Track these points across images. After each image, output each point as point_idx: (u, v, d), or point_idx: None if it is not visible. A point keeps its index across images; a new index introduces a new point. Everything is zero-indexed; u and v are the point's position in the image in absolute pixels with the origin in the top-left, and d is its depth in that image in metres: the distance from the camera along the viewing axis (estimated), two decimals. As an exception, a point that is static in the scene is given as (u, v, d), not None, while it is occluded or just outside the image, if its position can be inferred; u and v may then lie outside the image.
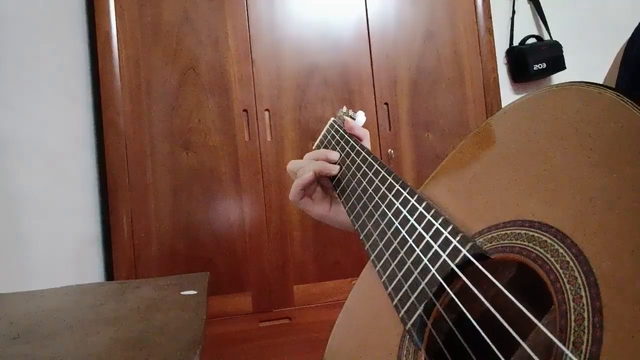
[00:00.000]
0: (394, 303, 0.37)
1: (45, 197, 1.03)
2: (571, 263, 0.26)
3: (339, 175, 0.59)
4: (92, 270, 1.28)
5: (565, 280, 0.26)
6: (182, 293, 0.55)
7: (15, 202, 0.90)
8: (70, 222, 1.17)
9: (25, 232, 0.93)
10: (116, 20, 1.35)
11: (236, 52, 1.41)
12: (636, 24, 0.45)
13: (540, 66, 1.90)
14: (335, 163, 0.60)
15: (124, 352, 0.38)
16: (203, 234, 1.36)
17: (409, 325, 0.35)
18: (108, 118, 1.33)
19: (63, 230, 1.11)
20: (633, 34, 0.45)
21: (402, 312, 0.36)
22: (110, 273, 1.33)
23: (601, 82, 0.32)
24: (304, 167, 0.60)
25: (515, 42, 1.97)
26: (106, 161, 1.32)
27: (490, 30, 1.59)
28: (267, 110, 1.42)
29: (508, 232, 0.31)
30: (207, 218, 1.36)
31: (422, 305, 0.34)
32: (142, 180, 1.34)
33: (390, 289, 0.39)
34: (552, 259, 0.27)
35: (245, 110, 1.41)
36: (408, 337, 0.35)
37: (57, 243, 1.07)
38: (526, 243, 0.29)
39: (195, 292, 0.55)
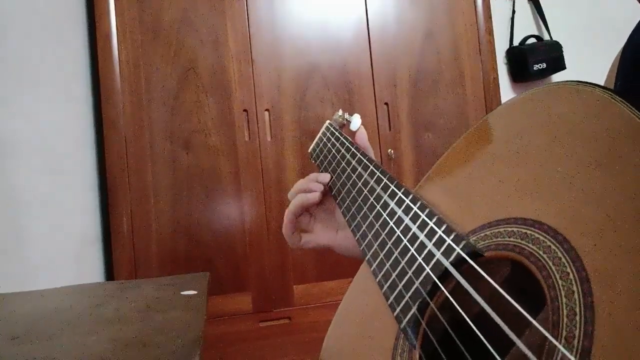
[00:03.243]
0: (389, 302, 0.38)
1: (45, 197, 1.03)
2: (563, 259, 0.26)
3: (334, 177, 0.59)
4: (92, 270, 1.28)
5: (557, 276, 0.26)
6: (182, 293, 0.55)
7: (15, 202, 0.90)
8: (70, 222, 1.17)
9: (25, 232, 0.93)
10: (116, 20, 1.35)
11: (236, 52, 1.41)
12: (635, 24, 0.45)
13: (540, 66, 1.89)
14: (326, 184, 0.58)
15: (124, 352, 0.38)
16: (203, 234, 1.36)
17: (403, 323, 0.35)
18: (108, 118, 1.33)
19: (63, 230, 1.11)
20: (629, 37, 0.46)
21: (397, 310, 0.36)
22: (110, 273, 1.33)
23: (599, 84, 0.32)
24: (288, 209, 0.58)
25: (515, 42, 1.97)
26: (106, 161, 1.32)
27: (490, 31, 1.59)
28: (267, 110, 1.42)
29: (501, 229, 0.32)
30: (207, 218, 1.36)
31: (417, 304, 0.35)
32: (142, 180, 1.34)
33: (385, 288, 0.39)
34: (545, 256, 0.27)
35: (245, 110, 1.41)
36: (403, 336, 0.35)
37: (57, 243, 1.07)
38: (519, 240, 0.30)
39: (195, 292, 0.55)
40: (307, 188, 0.57)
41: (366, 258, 0.44)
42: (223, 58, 1.40)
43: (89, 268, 1.26)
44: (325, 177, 0.58)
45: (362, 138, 0.62)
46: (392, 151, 1.48)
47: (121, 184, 1.32)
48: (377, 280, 0.40)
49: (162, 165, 1.35)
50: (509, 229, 0.31)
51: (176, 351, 0.37)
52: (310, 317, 1.39)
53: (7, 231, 0.86)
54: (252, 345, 1.35)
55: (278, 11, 1.45)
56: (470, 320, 0.29)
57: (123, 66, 1.35)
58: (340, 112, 0.69)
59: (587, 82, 0.31)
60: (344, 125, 0.69)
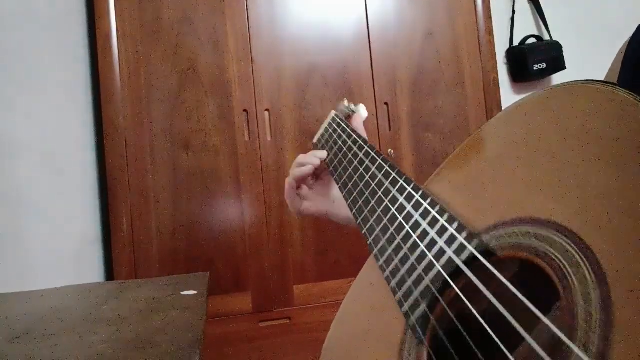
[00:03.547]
0: (397, 298, 0.37)
1: (45, 197, 1.03)
2: (580, 261, 0.25)
3: (340, 169, 0.59)
4: (92, 270, 1.28)
5: (574, 278, 0.25)
6: (182, 293, 0.55)
7: (15, 202, 0.90)
8: (70, 222, 1.17)
9: (25, 232, 0.92)
10: (116, 20, 1.35)
11: (236, 52, 1.41)
12: (636, 24, 0.45)
13: (540, 66, 1.89)
14: (324, 160, 0.65)
15: (124, 352, 0.38)
16: (203, 234, 1.36)
17: (412, 319, 0.35)
18: (108, 118, 1.33)
19: (63, 230, 1.11)
20: (631, 37, 0.45)
21: (406, 307, 0.36)
22: (110, 273, 1.33)
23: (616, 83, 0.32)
24: (287, 179, 0.67)
25: (515, 42, 1.97)
26: (106, 161, 1.32)
27: (490, 30, 1.59)
28: (267, 110, 1.42)
29: (515, 229, 0.31)
30: (207, 218, 1.36)
31: (426, 300, 0.34)
32: (142, 181, 1.34)
33: (393, 283, 0.39)
34: (561, 257, 0.27)
35: (245, 110, 1.41)
36: (410, 332, 0.35)
37: (57, 243, 1.06)
38: (534, 241, 0.29)
39: (195, 292, 0.55)
40: (303, 162, 0.65)
41: (373, 253, 0.44)
42: (223, 58, 1.40)
43: (89, 268, 1.26)
44: (323, 153, 0.66)
45: (358, 122, 0.68)
46: (392, 151, 1.48)
47: (121, 184, 1.32)
48: (385, 275, 0.40)
49: (162, 165, 1.35)
50: (523, 229, 0.30)
51: (176, 351, 0.37)
52: (310, 317, 1.39)
53: (7, 231, 0.86)
54: (252, 345, 1.35)
55: (278, 11, 1.45)
56: (480, 317, 0.28)
57: (123, 66, 1.35)
58: (345, 103, 0.69)
59: (607, 82, 0.30)
60: (350, 115, 0.69)
